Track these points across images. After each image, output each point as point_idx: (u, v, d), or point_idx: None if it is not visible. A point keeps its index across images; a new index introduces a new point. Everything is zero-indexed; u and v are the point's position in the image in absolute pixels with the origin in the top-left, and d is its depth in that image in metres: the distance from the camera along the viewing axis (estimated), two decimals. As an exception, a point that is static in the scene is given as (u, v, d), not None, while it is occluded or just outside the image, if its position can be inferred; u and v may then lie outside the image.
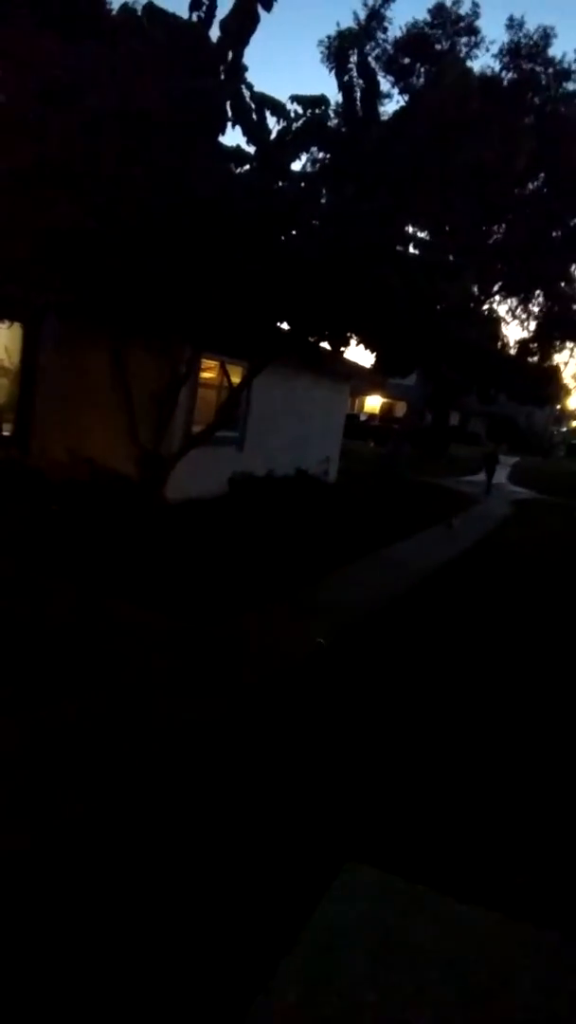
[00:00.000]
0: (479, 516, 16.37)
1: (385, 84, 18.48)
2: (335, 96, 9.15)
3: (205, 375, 10.89)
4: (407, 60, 19.28)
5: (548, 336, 21.53)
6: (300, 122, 8.06)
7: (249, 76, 7.78)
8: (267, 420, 12.49)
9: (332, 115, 9.64)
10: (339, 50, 12.64)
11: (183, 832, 3.10)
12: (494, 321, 18.58)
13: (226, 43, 7.52)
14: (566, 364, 46.58)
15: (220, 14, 7.56)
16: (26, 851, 2.80)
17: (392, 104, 19.05)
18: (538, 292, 21.70)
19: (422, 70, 19.01)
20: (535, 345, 21.39)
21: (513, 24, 18.59)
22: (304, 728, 4.28)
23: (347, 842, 3.16)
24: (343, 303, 7.86)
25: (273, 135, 8.07)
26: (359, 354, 52.28)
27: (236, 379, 9.94)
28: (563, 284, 21.15)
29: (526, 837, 3.45)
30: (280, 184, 8.25)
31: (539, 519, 17.62)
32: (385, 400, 43.29)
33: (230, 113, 7.73)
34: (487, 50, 22.16)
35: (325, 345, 9.24)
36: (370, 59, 14.75)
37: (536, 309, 22.42)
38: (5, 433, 10.44)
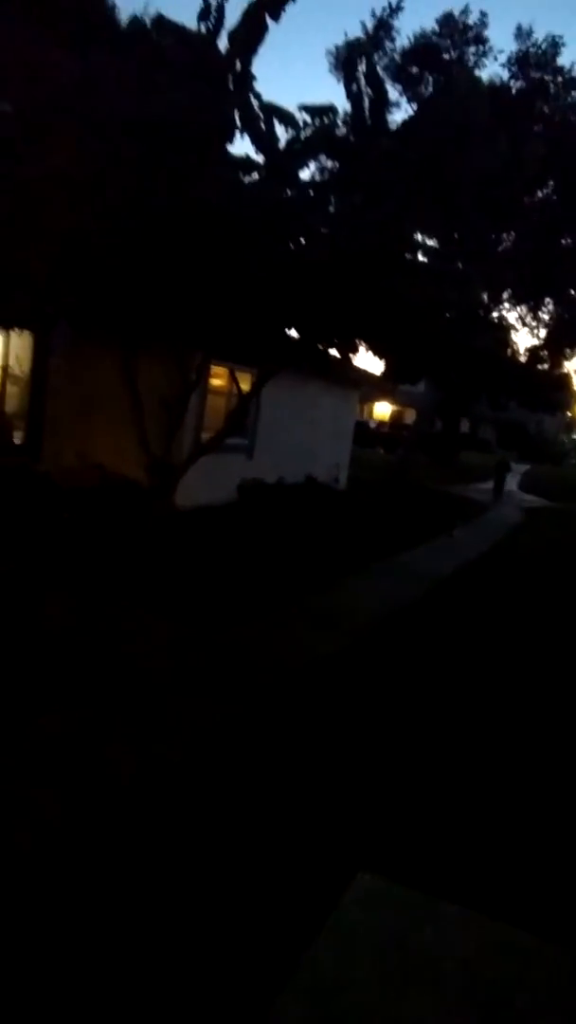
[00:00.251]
0: (489, 523, 16.30)
1: (393, 93, 18.50)
2: (343, 105, 9.20)
3: (215, 382, 10.93)
4: (415, 69, 19.34)
5: (558, 343, 21.44)
6: (308, 131, 8.09)
7: (257, 85, 7.83)
8: (276, 427, 12.50)
9: (340, 124, 9.67)
10: (347, 60, 12.69)
11: (196, 832, 3.09)
12: (504, 328, 18.51)
13: (234, 53, 7.56)
14: (576, 371, 46.34)
15: (229, 24, 7.62)
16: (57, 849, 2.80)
17: (400, 113, 19.17)
18: (547, 299, 21.64)
19: (430, 79, 19.06)
20: (545, 352, 21.30)
21: (521, 33, 18.63)
22: (316, 732, 4.26)
23: (360, 846, 3.14)
24: (352, 311, 7.86)
25: (282, 144, 8.10)
26: (369, 361, 52.32)
27: (245, 386, 9.96)
28: (572, 291, 21.07)
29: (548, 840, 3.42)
30: (289, 192, 8.28)
31: (549, 526, 17.56)
32: (395, 407, 43.24)
33: (238, 122, 7.77)
34: (495, 59, 22.15)
35: (334, 352, 9.25)
36: (378, 68, 14.79)
37: (546, 316, 22.35)
38: (16, 440, 10.51)
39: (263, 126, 7.94)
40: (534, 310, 22.40)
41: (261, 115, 7.90)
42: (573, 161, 16.81)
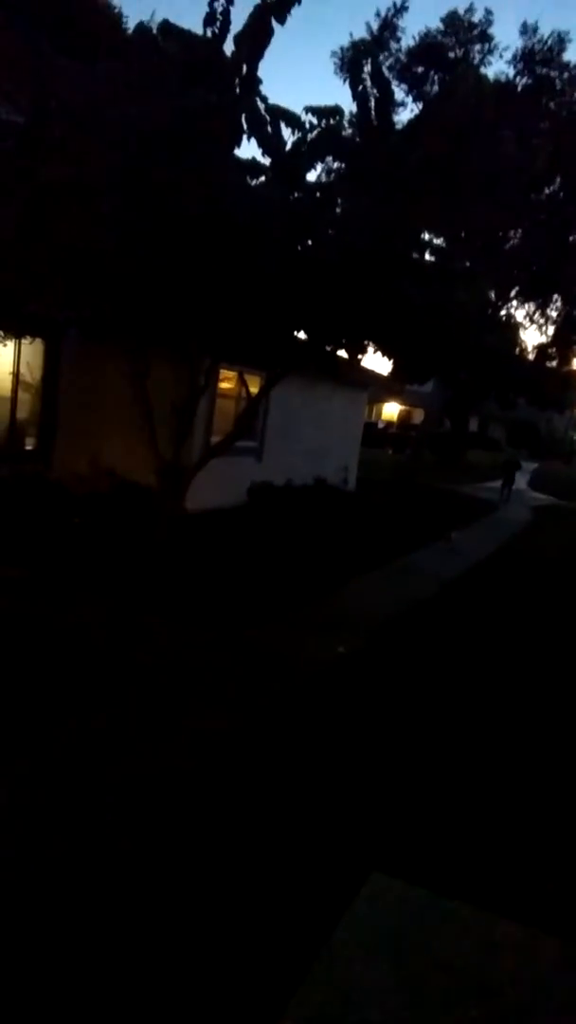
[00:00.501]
0: (498, 522, 16.24)
1: (399, 93, 18.54)
2: (349, 106, 9.19)
3: (223, 386, 10.94)
4: (421, 68, 19.33)
5: (567, 341, 21.35)
6: (315, 132, 8.09)
7: (263, 88, 7.83)
8: (285, 429, 12.51)
9: (347, 125, 9.67)
10: (353, 61, 12.70)
11: (214, 829, 3.09)
12: (512, 326, 18.44)
13: (240, 57, 7.57)
14: (586, 368, 46.07)
15: (234, 28, 7.63)
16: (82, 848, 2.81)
17: (406, 112, 19.17)
18: (556, 297, 21.56)
19: (436, 78, 19.04)
20: (554, 350, 21.21)
21: (527, 30, 18.57)
22: (329, 732, 4.26)
23: (370, 844, 3.14)
24: (360, 311, 7.85)
25: (288, 146, 8.10)
26: (376, 361, 52.22)
27: (254, 389, 9.98)
28: (581, 289, 20.97)
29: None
30: (296, 194, 8.28)
31: (559, 524, 17.52)
32: (403, 407, 43.13)
33: (245, 126, 7.77)
34: (500, 56, 22.10)
35: (342, 353, 9.24)
36: (384, 68, 14.78)
37: (554, 314, 22.27)
38: (28, 447, 10.56)
39: (269, 129, 7.95)
40: (542, 308, 22.33)
41: (267, 118, 7.90)
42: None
